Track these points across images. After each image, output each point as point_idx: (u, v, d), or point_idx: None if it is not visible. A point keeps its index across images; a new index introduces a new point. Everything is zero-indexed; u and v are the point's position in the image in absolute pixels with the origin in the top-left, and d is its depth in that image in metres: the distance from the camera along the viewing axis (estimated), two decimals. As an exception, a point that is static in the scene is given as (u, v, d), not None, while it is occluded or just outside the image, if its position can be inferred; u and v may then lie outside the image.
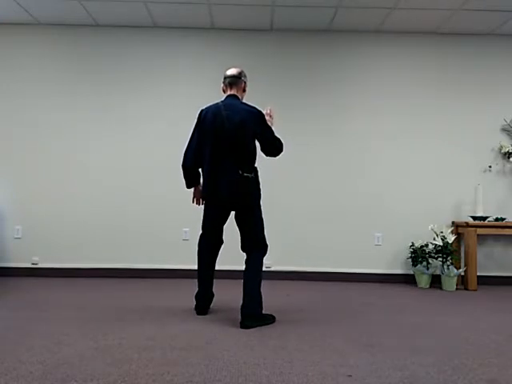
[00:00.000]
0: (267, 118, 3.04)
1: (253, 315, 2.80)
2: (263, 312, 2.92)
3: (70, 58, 4.84)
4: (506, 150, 4.73)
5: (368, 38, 4.90)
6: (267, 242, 3.01)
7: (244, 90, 3.09)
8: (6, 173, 4.75)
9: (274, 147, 3.00)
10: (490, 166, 4.80)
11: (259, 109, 2.96)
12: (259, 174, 3.01)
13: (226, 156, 2.87)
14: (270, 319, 2.90)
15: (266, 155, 3.05)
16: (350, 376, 1.99)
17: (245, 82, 3.07)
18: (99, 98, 4.83)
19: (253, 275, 2.86)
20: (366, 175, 4.82)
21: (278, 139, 3.01)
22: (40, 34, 4.84)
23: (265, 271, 4.67)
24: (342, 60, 4.90)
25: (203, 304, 3.11)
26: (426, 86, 4.87)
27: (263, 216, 3.04)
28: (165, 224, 4.75)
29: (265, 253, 2.97)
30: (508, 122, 4.82)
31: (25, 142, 4.78)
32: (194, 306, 3.21)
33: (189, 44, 4.88)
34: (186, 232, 4.72)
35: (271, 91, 4.85)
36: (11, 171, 4.76)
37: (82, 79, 4.83)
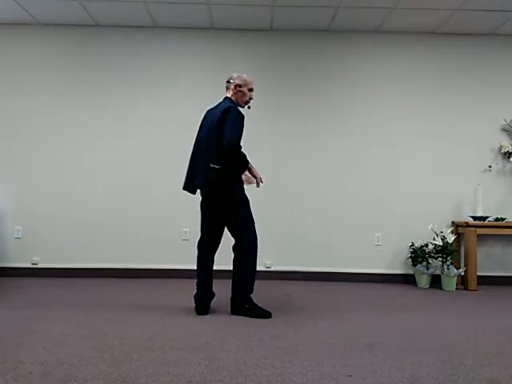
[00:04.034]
0: (248, 176, 3.21)
1: (236, 304, 3.06)
2: (260, 306, 3.12)
3: (70, 58, 4.84)
4: (506, 149, 4.73)
5: (368, 37, 4.90)
6: (254, 235, 3.08)
7: (234, 91, 3.18)
8: (6, 173, 4.75)
9: (226, 142, 2.88)
10: (489, 166, 4.80)
11: (232, 105, 3.03)
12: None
13: (200, 150, 3.12)
14: (259, 312, 3.03)
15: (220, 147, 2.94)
16: (350, 376, 1.99)
17: (234, 84, 3.18)
18: (99, 98, 4.82)
19: (238, 266, 3.08)
20: (365, 175, 4.81)
21: (235, 138, 2.89)
22: (40, 34, 4.84)
23: (265, 271, 4.67)
24: (342, 60, 4.90)
25: (203, 304, 3.14)
26: (425, 86, 4.87)
27: (253, 213, 3.16)
28: (165, 224, 4.75)
29: (251, 244, 3.05)
30: (508, 122, 4.82)
31: (25, 141, 4.78)
32: (194, 306, 3.21)
33: (189, 44, 4.88)
34: (185, 232, 4.72)
35: (271, 91, 4.85)
36: (11, 171, 4.75)
37: (81, 79, 4.83)
